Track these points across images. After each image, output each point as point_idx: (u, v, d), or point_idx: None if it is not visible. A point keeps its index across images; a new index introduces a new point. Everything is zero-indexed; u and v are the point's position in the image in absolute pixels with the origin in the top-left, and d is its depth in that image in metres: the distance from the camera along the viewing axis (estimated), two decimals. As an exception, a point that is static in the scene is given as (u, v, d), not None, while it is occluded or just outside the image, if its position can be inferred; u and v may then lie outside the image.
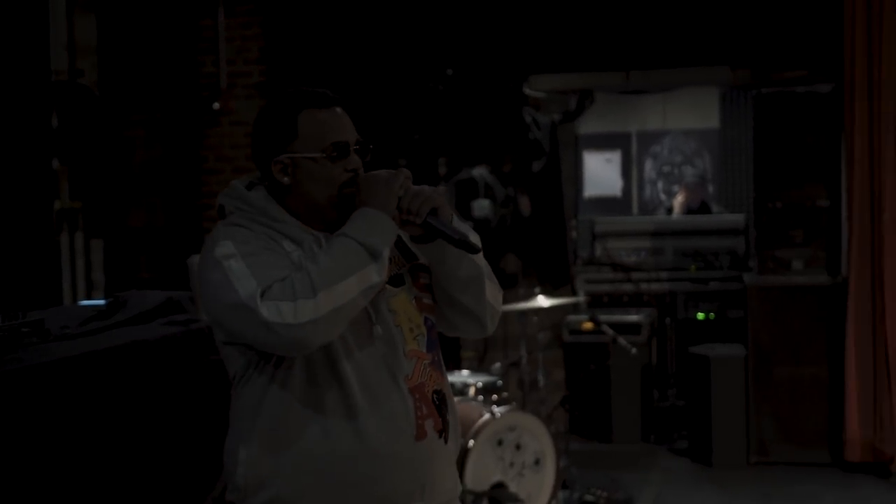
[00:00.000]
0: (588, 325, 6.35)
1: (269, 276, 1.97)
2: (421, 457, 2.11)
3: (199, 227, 7.24)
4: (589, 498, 5.43)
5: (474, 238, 2.13)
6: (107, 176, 6.93)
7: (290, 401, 2.05)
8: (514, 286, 6.86)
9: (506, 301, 6.17)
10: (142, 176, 7.11)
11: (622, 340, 5.85)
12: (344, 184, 2.11)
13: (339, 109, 2.15)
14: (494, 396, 5.18)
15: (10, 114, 5.96)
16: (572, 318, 6.80)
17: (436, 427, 2.15)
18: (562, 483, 5.23)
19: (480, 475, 4.74)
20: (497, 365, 5.82)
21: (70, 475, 2.52)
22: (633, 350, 5.88)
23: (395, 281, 2.17)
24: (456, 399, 5.07)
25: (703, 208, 7.95)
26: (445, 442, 2.19)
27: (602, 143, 9.23)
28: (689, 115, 9.28)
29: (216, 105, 7.22)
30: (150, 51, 7.02)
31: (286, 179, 2.12)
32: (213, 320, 2.08)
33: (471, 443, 4.73)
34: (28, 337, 2.71)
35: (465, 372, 5.67)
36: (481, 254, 2.19)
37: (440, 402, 2.18)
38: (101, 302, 3.52)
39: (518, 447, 4.91)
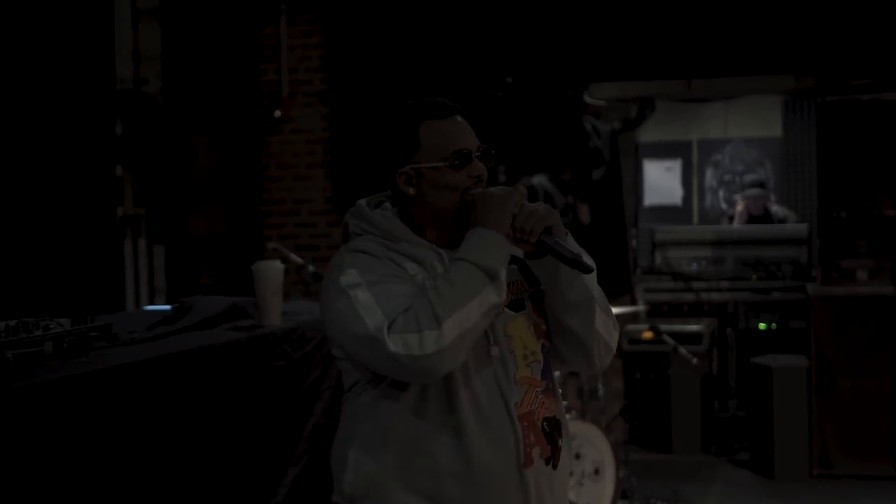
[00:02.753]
0: (648, 335, 6.30)
1: (395, 306, 2.00)
2: (526, 484, 2.12)
3: (259, 233, 7.30)
4: (649, 509, 5.39)
5: (588, 259, 2.12)
6: (169, 183, 7.02)
7: (401, 413, 2.08)
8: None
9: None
10: (204, 183, 7.19)
11: (683, 350, 5.80)
12: (466, 190, 2.12)
13: (458, 118, 2.17)
14: (553, 405, 5.16)
15: (76, 121, 6.06)
16: (632, 327, 6.76)
17: (543, 455, 2.15)
18: (621, 493, 5.20)
19: (539, 484, 4.73)
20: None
21: (137, 477, 2.54)
22: (694, 360, 5.83)
23: (515, 305, 2.18)
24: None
25: (766, 217, 7.86)
26: (554, 468, 2.18)
27: (662, 151, 9.16)
28: (751, 123, 9.18)
29: (277, 113, 7.28)
30: (212, 59, 7.10)
31: (411, 190, 2.14)
32: (337, 345, 2.12)
33: (530, 451, 4.72)
34: (97, 341, 2.76)
35: (523, 380, 5.65)
36: (596, 281, 2.19)
37: (551, 429, 2.18)
38: (167, 307, 3.57)
39: (577, 456, 4.89)
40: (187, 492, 2.76)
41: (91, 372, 2.42)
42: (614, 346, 2.26)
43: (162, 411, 2.66)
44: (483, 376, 2.11)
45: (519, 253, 2.15)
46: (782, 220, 7.78)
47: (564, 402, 5.37)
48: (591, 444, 4.92)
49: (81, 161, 6.11)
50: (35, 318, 2.73)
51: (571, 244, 2.13)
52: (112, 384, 2.48)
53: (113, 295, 6.53)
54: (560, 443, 2.20)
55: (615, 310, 5.54)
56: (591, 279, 2.18)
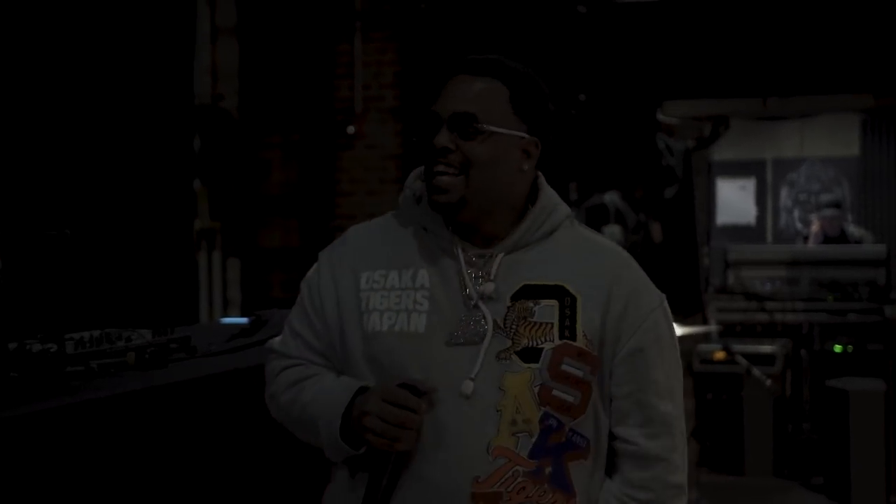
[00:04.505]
0: (720, 355, 6.24)
1: (290, 335, 1.95)
2: None
3: (322, 246, 7.36)
4: (720, 531, 5.33)
5: None
6: (244, 197, 7.12)
7: (338, 469, 1.90)
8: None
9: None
10: (277, 197, 7.28)
11: (756, 371, 5.74)
12: (427, 171, 1.83)
13: (463, 76, 1.80)
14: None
15: (155, 137, 6.18)
16: (704, 346, 6.69)
17: None
18: (692, 515, 5.14)
19: None
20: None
21: (217, 488, 2.58)
22: (768, 382, 5.75)
23: (527, 355, 1.75)
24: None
25: (842, 238, 7.74)
26: None
27: (736, 169, 9.08)
28: (827, 142, 9.06)
29: (351, 129, 7.35)
30: (288, 76, 7.20)
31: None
32: None
33: (600, 471, 4.69)
34: (176, 352, 2.81)
35: (594, 399, 5.62)
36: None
37: None
38: (244, 320, 3.61)
39: (648, 477, 4.85)
40: (265, 499, 2.79)
41: (172, 383, 2.47)
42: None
43: (239, 422, 2.69)
44: (442, 420, 1.73)
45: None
46: (859, 241, 7.65)
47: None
48: (661, 465, 4.88)
49: (160, 175, 6.24)
50: (117, 328, 2.79)
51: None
52: (192, 395, 2.53)
53: (188, 307, 6.64)
54: None
55: (686, 329, 5.51)
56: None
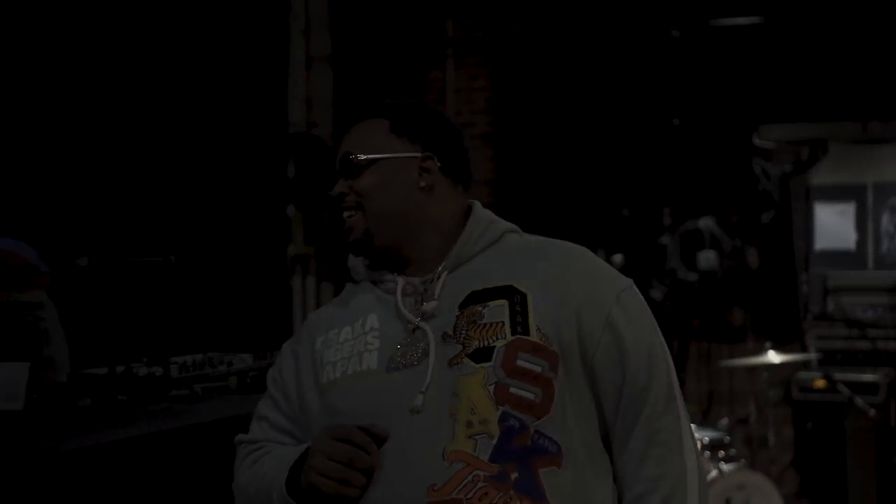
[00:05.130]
0: (820, 383, 6.10)
1: (255, 422, 1.91)
2: None
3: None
4: (822, 565, 5.18)
5: None
6: (337, 222, 7.18)
7: None
8: (742, 340, 6.66)
9: (733, 356, 6.02)
10: (370, 223, 7.33)
11: (859, 400, 5.59)
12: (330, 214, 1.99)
13: (361, 123, 1.90)
14: (721, 453, 5.04)
15: (250, 164, 6.29)
16: (803, 374, 6.54)
17: None
18: (793, 548, 5.02)
19: (708, 535, 4.61)
20: (724, 421, 5.65)
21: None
22: (872, 411, 5.60)
23: (479, 355, 1.69)
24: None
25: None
26: None
27: (835, 194, 8.86)
28: (930, 165, 8.82)
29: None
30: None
31: None
32: None
33: (698, 501, 4.61)
34: (277, 377, 2.83)
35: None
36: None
37: None
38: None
39: (747, 508, 4.75)
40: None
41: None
42: None
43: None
44: (396, 440, 1.67)
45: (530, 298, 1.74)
46: (964, 267, 7.43)
47: (732, 450, 5.22)
48: (761, 495, 4.77)
49: (255, 202, 6.34)
50: (219, 353, 2.82)
51: None
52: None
53: (282, 331, 6.71)
54: None
55: (785, 357, 5.39)
56: None
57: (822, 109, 6.61)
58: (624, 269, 6.31)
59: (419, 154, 1.82)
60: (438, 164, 1.83)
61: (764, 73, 6.59)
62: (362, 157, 1.81)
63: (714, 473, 4.72)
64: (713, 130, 6.82)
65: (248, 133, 6.28)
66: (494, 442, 1.62)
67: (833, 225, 8.90)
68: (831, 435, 6.42)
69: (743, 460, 5.19)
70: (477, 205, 1.90)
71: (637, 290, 1.80)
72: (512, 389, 1.65)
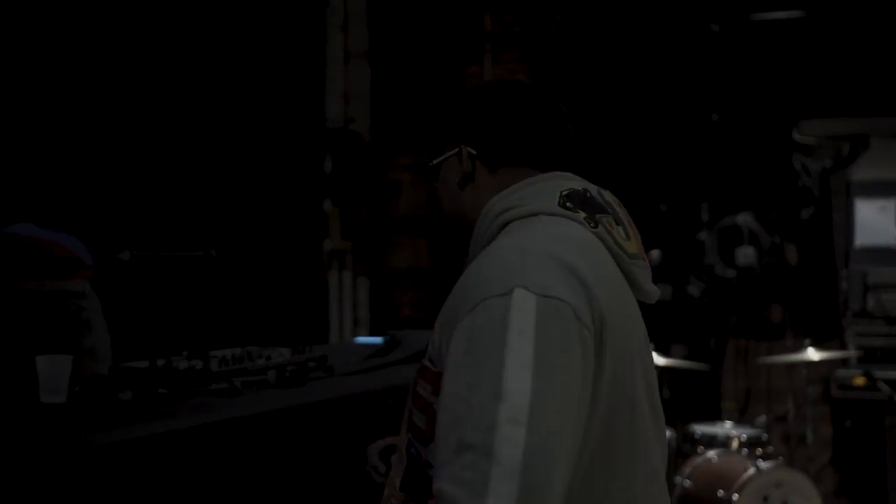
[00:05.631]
0: (860, 381, 6.04)
1: None
2: None
3: (460, 270, 7.38)
4: (861, 565, 5.15)
5: None
6: (374, 218, 7.21)
7: None
8: (780, 337, 6.62)
9: (771, 353, 5.96)
10: (407, 218, 7.34)
11: (899, 399, 5.54)
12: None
13: None
14: (759, 450, 5.02)
15: (288, 159, 6.32)
16: (842, 372, 6.48)
17: None
18: (832, 547, 4.99)
19: (745, 533, 4.59)
20: (762, 418, 5.62)
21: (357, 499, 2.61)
22: (912, 409, 5.54)
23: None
24: (718, 451, 4.93)
25: None
26: None
27: (876, 190, 8.77)
28: (973, 160, 8.71)
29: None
30: (418, 98, 7.27)
31: None
32: None
33: (735, 496, 4.58)
34: (314, 371, 2.85)
35: (727, 423, 5.51)
36: None
37: None
38: (377, 339, 3.65)
39: (785, 505, 4.73)
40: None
41: (313, 402, 2.51)
42: None
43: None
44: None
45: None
46: None
47: (770, 448, 5.19)
48: (799, 494, 4.74)
49: (293, 196, 6.37)
50: (257, 346, 2.84)
51: None
52: (332, 414, 2.56)
53: (318, 326, 6.75)
54: None
55: (824, 354, 5.33)
56: None
57: (862, 104, 6.54)
58: (661, 265, 6.30)
59: (453, 151, 1.75)
60: (474, 153, 1.72)
61: (804, 67, 6.53)
62: (429, 164, 1.82)
63: (752, 471, 4.69)
64: (752, 126, 6.78)
65: (286, 128, 6.31)
66: (404, 470, 1.60)
67: (873, 221, 8.80)
68: (871, 433, 6.36)
69: (781, 458, 5.16)
70: (502, 193, 1.69)
71: (508, 300, 1.47)
72: (413, 417, 1.59)
